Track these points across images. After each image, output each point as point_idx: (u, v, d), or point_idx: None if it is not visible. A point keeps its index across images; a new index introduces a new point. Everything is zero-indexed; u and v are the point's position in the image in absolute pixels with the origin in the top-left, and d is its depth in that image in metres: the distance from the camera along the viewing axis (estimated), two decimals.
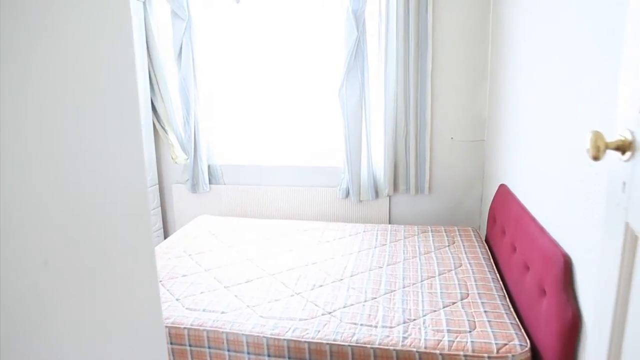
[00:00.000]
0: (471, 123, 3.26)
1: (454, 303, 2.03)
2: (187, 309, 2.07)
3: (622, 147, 0.82)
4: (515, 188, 2.40)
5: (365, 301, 2.09)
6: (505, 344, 1.70)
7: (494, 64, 2.98)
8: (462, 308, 1.98)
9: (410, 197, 3.45)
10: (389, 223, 3.51)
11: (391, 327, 1.86)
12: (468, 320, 1.88)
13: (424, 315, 1.94)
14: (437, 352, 1.70)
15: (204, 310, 2.04)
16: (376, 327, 1.87)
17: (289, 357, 1.82)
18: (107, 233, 0.74)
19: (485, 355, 1.66)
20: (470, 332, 1.80)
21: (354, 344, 1.77)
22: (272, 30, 3.47)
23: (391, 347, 1.73)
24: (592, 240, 1.41)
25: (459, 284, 2.21)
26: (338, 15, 3.22)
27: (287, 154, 3.68)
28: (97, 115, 0.71)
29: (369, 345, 1.76)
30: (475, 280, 2.22)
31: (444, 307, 2.00)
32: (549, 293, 1.64)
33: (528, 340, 1.72)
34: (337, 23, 3.25)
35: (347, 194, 3.49)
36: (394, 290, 2.18)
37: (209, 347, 1.90)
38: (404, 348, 1.73)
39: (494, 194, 2.80)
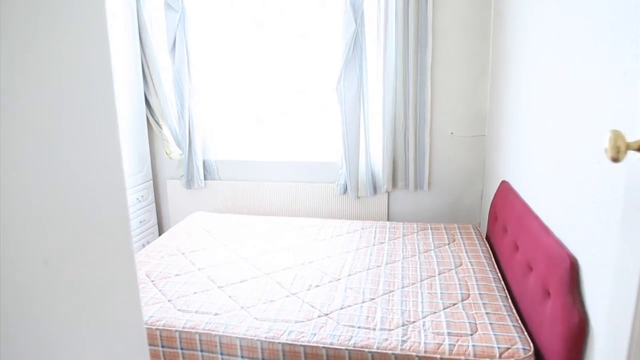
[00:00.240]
0: (472, 118, 3.19)
1: (454, 304, 1.97)
2: (179, 310, 2.00)
3: None
4: (517, 185, 2.34)
5: (363, 302, 2.03)
6: (508, 348, 1.64)
7: (496, 57, 2.91)
8: (463, 309, 1.92)
9: (409, 193, 3.38)
10: (388, 220, 3.45)
11: (390, 330, 1.80)
12: (469, 322, 1.82)
13: (423, 317, 1.88)
14: (438, 356, 1.64)
15: (196, 312, 1.98)
16: (374, 329, 1.81)
17: None
18: (81, 232, 0.66)
19: (488, 359, 1.60)
20: (471, 335, 1.74)
21: (351, 348, 1.71)
22: (268, 22, 3.38)
23: (390, 352, 1.67)
24: (601, 241, 1.35)
25: (459, 283, 2.15)
26: (336, 7, 3.14)
27: (284, 149, 3.61)
28: (68, 113, 0.64)
29: (366, 350, 1.69)
30: (476, 280, 2.16)
31: (444, 309, 1.94)
32: (553, 295, 1.57)
33: (532, 344, 1.66)
34: (334, 15, 3.16)
35: (345, 190, 3.42)
36: (393, 291, 2.12)
37: (202, 351, 1.84)
38: (403, 352, 1.66)
39: (494, 190, 2.74)
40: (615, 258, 0.90)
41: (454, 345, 1.68)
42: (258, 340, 1.79)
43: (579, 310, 1.44)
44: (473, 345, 1.66)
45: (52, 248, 0.60)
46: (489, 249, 2.56)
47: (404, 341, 1.72)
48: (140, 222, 3.58)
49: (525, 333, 1.73)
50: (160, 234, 3.78)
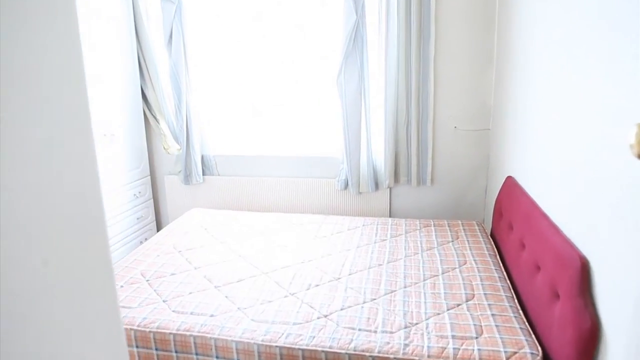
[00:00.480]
0: (476, 111, 3.11)
1: (458, 305, 1.90)
2: (174, 311, 1.94)
3: None
4: (523, 181, 2.26)
5: (364, 303, 1.96)
6: (515, 352, 1.57)
7: (501, 48, 2.82)
8: (468, 311, 1.85)
9: (411, 188, 3.30)
10: (390, 216, 3.37)
11: (392, 333, 1.73)
12: (474, 324, 1.75)
13: (426, 319, 1.81)
14: None
15: (191, 313, 1.92)
16: (375, 332, 1.74)
17: None
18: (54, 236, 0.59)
19: None
20: (476, 338, 1.67)
21: (352, 352, 1.64)
22: (266, 14, 3.29)
23: (392, 356, 1.61)
24: (614, 241, 1.27)
25: (463, 283, 2.07)
26: None
27: (284, 144, 3.53)
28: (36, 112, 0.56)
29: (367, 354, 1.63)
30: (481, 280, 2.08)
31: (448, 310, 1.87)
32: (563, 297, 1.50)
33: (540, 348, 1.59)
34: (334, 6, 3.07)
35: (346, 186, 3.35)
36: (395, 291, 2.05)
37: (197, 354, 1.78)
38: (406, 357, 1.60)
39: (499, 186, 2.66)
40: (634, 259, 0.83)
41: (459, 349, 1.61)
42: (255, 343, 1.72)
43: (591, 313, 1.37)
44: (479, 349, 1.60)
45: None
46: (494, 246, 2.49)
47: (406, 345, 1.65)
48: (138, 218, 3.51)
49: (533, 336, 1.66)
50: (158, 231, 3.71)
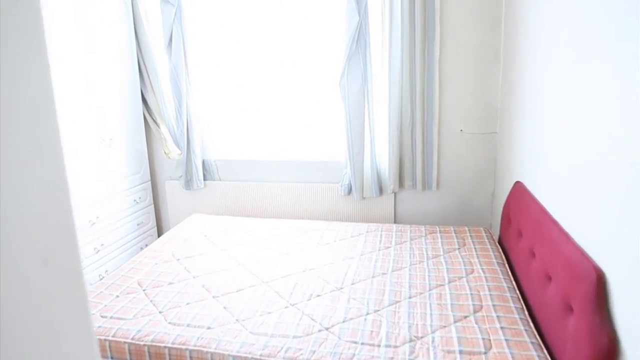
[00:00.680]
0: (482, 114, 3.02)
1: (466, 317, 1.82)
2: (170, 323, 1.87)
3: None
4: (533, 186, 2.17)
5: (367, 314, 1.88)
6: None
7: (508, 48, 2.74)
8: (476, 323, 1.77)
9: (416, 193, 3.22)
10: (394, 222, 3.30)
11: (396, 347, 1.65)
12: (482, 338, 1.67)
13: (432, 332, 1.73)
14: None
15: (188, 326, 1.85)
16: (379, 346, 1.66)
17: None
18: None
19: None
20: (485, 353, 1.59)
21: None
22: (267, 16, 3.23)
23: None
24: (633, 253, 1.19)
25: (471, 293, 1.99)
26: None
27: (286, 148, 3.46)
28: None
29: None
30: (489, 290, 2.00)
31: (454, 322, 1.79)
32: (577, 311, 1.42)
33: None
34: (337, 7, 3.01)
35: (349, 191, 3.27)
36: (399, 301, 1.97)
37: None
38: None
39: (507, 191, 2.58)
40: None
41: None
42: (253, 358, 1.65)
43: (608, 330, 1.29)
44: None
45: None
46: (502, 254, 2.40)
47: None
48: (138, 224, 3.45)
49: (545, 351, 1.57)
50: (159, 236, 3.65)
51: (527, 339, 1.63)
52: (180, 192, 3.63)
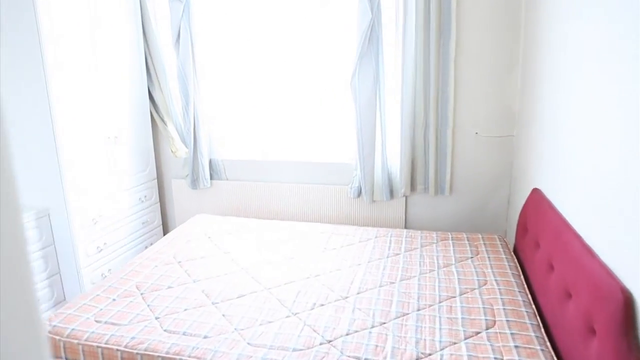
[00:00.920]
0: (499, 116, 2.89)
1: (477, 333, 1.71)
2: (165, 330, 1.79)
3: None
4: (552, 194, 2.05)
5: (373, 327, 1.78)
6: None
7: (528, 47, 2.61)
8: (488, 340, 1.66)
9: (428, 197, 3.11)
10: (405, 227, 3.18)
11: None
12: (495, 357, 1.55)
13: (441, 349, 1.62)
14: None
15: (184, 334, 1.76)
16: None
17: None
18: None
19: None
20: None
21: None
22: (277, 13, 3.14)
23: None
24: None
25: (483, 307, 1.88)
26: None
27: (295, 149, 3.37)
28: None
29: None
30: (503, 304, 1.88)
31: (465, 339, 1.68)
32: (601, 334, 1.30)
33: None
34: (349, 4, 2.90)
35: (359, 194, 3.17)
36: (407, 314, 1.86)
37: None
38: None
39: (523, 197, 2.45)
40: None
41: None
42: None
43: (636, 358, 1.17)
44: None
45: None
46: (517, 264, 2.28)
47: None
48: (143, 223, 3.39)
49: None
50: (165, 235, 3.59)
51: None
52: (186, 190, 3.57)
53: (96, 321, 1.86)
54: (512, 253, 2.44)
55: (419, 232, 2.75)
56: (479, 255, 2.38)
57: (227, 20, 3.23)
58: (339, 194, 3.25)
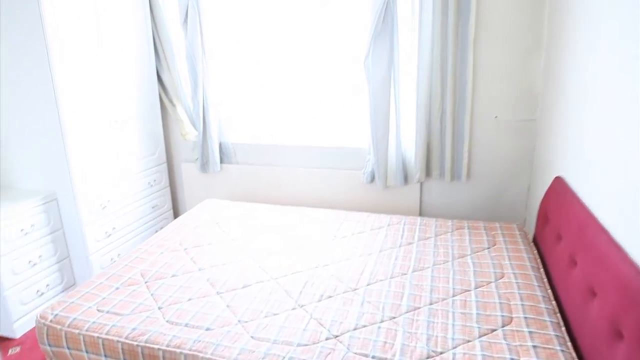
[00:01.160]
0: (520, 99, 2.74)
1: (493, 331, 1.61)
2: (167, 321, 1.74)
3: None
4: (576, 184, 1.92)
5: (382, 322, 1.70)
6: None
7: (553, 27, 2.44)
8: (504, 339, 1.56)
9: (444, 184, 2.99)
10: (419, 214, 3.08)
11: None
12: (511, 358, 1.46)
13: (453, 348, 1.54)
14: None
15: (186, 325, 1.71)
16: None
17: None
18: None
19: None
20: None
21: None
22: None
23: None
24: None
25: (500, 302, 1.78)
26: None
27: (306, 132, 3.27)
28: None
29: None
30: (520, 299, 1.78)
31: (479, 337, 1.58)
32: (629, 339, 1.20)
33: None
34: None
35: (372, 179, 3.07)
36: (418, 308, 1.78)
37: None
38: None
39: (545, 185, 2.32)
40: None
41: None
42: None
43: None
44: None
45: None
46: (537, 256, 2.17)
47: None
48: (153, 207, 3.36)
49: None
50: (175, 218, 3.56)
51: None
52: (196, 174, 3.51)
53: (98, 310, 1.82)
54: (532, 244, 2.32)
55: (434, 220, 2.65)
56: (495, 246, 2.27)
57: None
58: (352, 179, 3.15)
